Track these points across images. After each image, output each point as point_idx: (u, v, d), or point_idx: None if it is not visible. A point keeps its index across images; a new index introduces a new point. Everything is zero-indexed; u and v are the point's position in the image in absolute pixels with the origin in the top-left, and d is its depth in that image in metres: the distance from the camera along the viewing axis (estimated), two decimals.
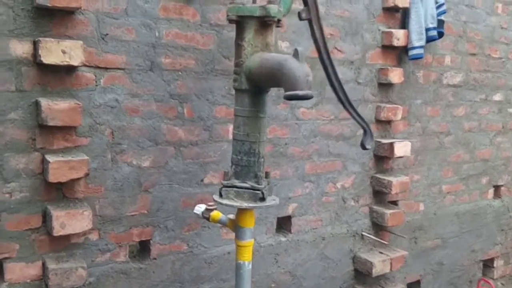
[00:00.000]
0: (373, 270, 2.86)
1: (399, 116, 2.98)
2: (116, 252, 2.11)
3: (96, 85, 1.96)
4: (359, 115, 1.98)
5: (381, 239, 3.02)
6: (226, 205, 1.76)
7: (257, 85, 1.75)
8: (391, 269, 2.96)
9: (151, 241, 2.21)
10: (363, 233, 2.99)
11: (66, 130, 1.88)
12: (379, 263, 2.88)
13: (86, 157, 1.86)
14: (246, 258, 1.82)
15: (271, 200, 1.79)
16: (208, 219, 1.97)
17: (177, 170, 2.23)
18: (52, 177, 1.78)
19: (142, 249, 2.26)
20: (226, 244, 2.43)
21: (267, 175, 1.82)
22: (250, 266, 1.84)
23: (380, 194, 3.03)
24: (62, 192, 1.94)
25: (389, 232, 3.07)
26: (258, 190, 1.74)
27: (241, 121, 1.77)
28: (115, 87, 2.01)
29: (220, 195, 1.79)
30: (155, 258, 2.23)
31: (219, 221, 1.93)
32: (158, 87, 2.12)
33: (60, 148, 1.89)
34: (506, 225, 3.90)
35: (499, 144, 3.76)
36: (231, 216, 1.89)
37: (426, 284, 3.41)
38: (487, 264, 3.85)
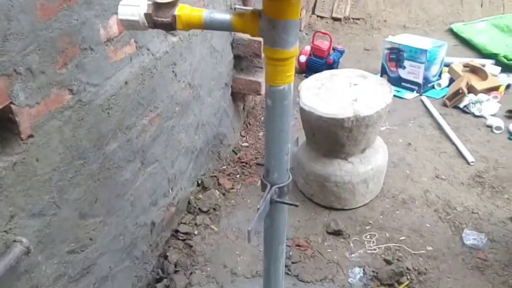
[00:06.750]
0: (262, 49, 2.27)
1: None
2: None
3: None
4: None
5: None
6: None
7: None
8: None
9: (13, 107, 1.03)
10: (236, 7, 2.24)
11: None
12: None
13: None
14: (289, 78, 0.97)
15: None
16: (170, 27, 0.95)
17: None
18: None
19: (1, 130, 1.06)
20: (118, 69, 1.40)
21: None
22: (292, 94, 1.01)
23: None
24: None
25: None
26: None
27: None
28: None
29: None
30: (30, 136, 1.09)
31: (205, 25, 0.95)
32: None
33: None
34: None
35: None
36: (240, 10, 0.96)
37: None
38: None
